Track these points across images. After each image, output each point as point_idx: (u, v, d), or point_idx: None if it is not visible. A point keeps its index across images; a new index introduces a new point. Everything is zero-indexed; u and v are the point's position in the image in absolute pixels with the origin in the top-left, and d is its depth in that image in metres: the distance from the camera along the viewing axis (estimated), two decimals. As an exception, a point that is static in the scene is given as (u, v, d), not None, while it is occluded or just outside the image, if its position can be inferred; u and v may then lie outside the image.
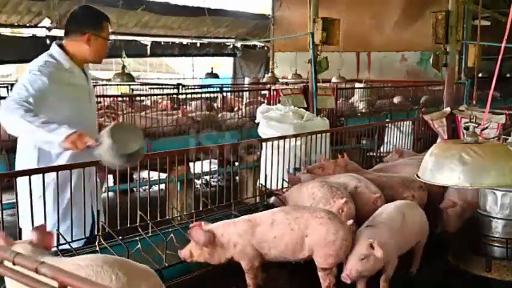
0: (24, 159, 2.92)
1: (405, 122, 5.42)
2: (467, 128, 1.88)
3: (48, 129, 2.49)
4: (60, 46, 2.97)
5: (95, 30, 2.96)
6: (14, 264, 1.02)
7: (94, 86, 11.47)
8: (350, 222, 2.44)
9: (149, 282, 1.72)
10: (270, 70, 13.00)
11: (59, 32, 11.61)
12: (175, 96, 8.45)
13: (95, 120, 3.33)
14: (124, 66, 9.03)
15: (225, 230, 2.42)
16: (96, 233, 2.72)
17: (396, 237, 2.49)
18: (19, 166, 2.94)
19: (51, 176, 2.65)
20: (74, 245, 2.57)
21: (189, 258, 2.41)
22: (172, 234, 2.61)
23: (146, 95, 9.12)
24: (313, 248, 2.32)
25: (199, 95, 8.79)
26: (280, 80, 12.38)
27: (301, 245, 2.34)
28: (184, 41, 15.07)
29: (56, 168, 2.63)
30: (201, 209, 3.45)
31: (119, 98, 8.21)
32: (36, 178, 2.51)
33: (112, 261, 1.71)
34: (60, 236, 2.42)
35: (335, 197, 2.78)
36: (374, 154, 4.91)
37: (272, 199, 3.22)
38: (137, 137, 2.53)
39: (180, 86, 9.95)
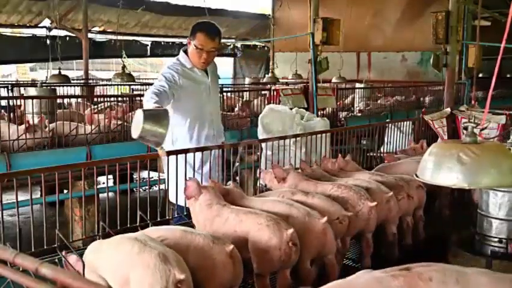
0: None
1: (405, 122, 5.42)
2: (466, 128, 1.88)
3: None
4: (185, 52, 3.76)
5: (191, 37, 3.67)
6: (13, 264, 1.02)
7: (94, 85, 11.55)
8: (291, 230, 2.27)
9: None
10: (270, 70, 12.99)
11: (59, 32, 11.63)
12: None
13: (218, 108, 4.17)
14: (124, 66, 9.03)
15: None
16: (96, 232, 2.73)
17: None
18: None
19: None
20: None
21: None
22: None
23: (146, 95, 9.08)
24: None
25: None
26: (281, 80, 12.37)
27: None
28: (184, 41, 15.03)
29: (56, 169, 2.65)
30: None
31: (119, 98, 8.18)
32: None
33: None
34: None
35: (362, 199, 2.75)
36: (374, 154, 4.91)
37: None
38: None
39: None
